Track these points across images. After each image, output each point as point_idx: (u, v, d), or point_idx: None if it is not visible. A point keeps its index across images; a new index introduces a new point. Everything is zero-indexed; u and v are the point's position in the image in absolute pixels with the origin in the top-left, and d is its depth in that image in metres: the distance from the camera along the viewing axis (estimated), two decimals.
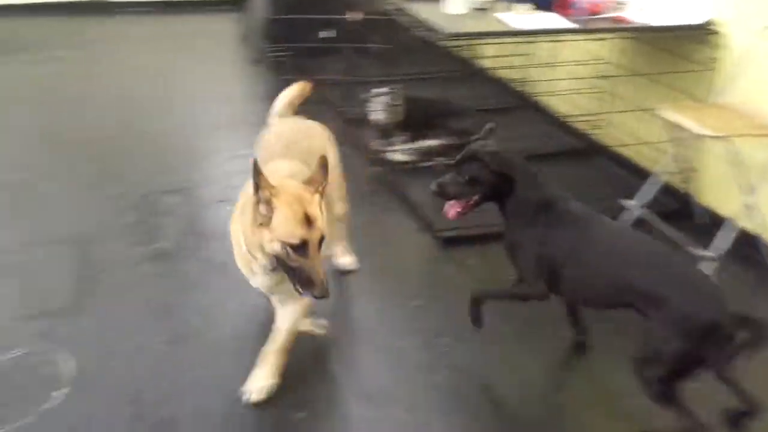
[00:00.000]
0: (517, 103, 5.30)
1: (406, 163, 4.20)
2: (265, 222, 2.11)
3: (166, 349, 2.72)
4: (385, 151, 4.22)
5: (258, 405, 2.46)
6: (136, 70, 6.21)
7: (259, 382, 2.50)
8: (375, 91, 4.29)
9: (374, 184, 4.11)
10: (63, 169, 4.28)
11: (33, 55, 6.50)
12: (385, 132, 4.27)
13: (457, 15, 3.76)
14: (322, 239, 2.17)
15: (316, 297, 2.15)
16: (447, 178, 2.52)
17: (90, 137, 4.73)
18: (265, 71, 6.11)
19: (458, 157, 2.53)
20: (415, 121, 4.26)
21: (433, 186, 2.53)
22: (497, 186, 2.48)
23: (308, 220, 2.11)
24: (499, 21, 3.68)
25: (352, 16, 4.95)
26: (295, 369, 2.59)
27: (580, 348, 2.81)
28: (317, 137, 2.82)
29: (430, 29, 3.59)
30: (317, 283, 2.11)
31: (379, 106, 4.25)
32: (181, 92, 5.72)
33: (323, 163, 2.24)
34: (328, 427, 2.44)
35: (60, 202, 3.86)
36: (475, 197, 2.51)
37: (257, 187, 2.10)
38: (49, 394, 2.45)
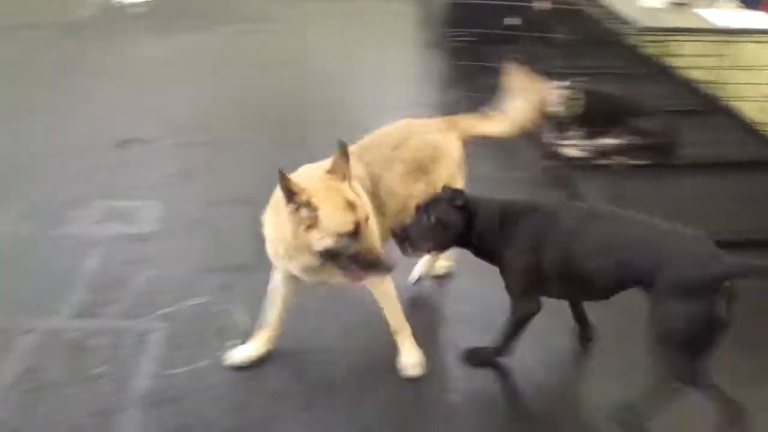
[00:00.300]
0: (706, 106, 4.98)
1: (580, 159, 4.08)
2: (312, 222, 2.10)
3: (331, 313, 2.85)
4: (559, 145, 4.13)
5: (413, 381, 2.52)
6: (321, 46, 6.49)
7: (412, 358, 2.55)
8: (555, 82, 4.19)
9: (545, 177, 4.04)
10: (251, 133, 4.58)
11: (240, 25, 7.03)
12: (562, 125, 4.16)
13: (654, 8, 3.58)
14: (367, 219, 2.17)
15: (383, 273, 2.19)
16: (413, 220, 2.40)
17: (276, 105, 5.03)
18: (441, 56, 6.15)
19: (423, 203, 2.41)
20: (594, 116, 4.11)
21: (397, 228, 2.39)
22: (463, 226, 2.37)
23: (351, 205, 2.12)
24: (699, 17, 3.47)
25: (539, 4, 4.85)
26: (451, 356, 2.63)
27: (584, 341, 2.70)
28: (418, 142, 2.68)
29: (623, 22, 3.45)
30: (381, 260, 2.15)
31: (558, 99, 4.15)
32: (359, 70, 5.91)
33: (343, 152, 2.21)
34: (479, 415, 2.45)
35: (246, 164, 4.13)
36: (438, 242, 2.41)
37: (291, 194, 2.08)
38: (224, 343, 2.64)
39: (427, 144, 2.70)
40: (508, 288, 2.42)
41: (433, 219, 2.34)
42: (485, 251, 2.43)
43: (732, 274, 2.02)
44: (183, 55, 6.19)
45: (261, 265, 3.13)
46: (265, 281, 3.01)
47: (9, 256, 3.21)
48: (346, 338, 2.75)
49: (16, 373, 2.48)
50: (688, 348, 2.05)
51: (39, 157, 4.15)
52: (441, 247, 2.48)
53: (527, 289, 2.38)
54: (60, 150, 4.25)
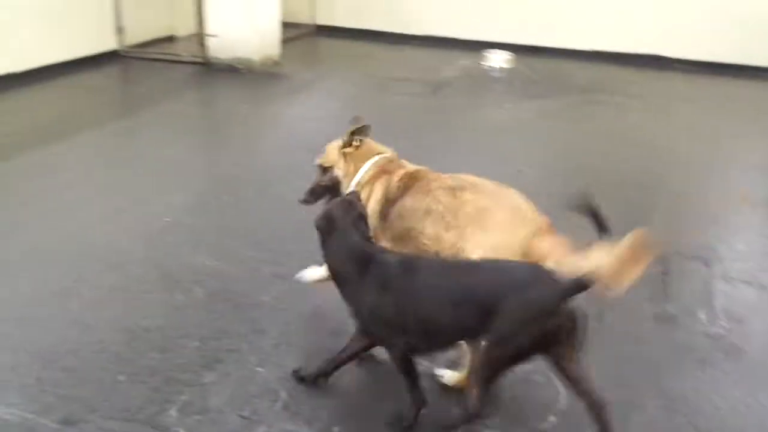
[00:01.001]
0: None
1: None
2: None
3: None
4: None
5: None
6: (681, 126, 6.25)
7: None
8: None
9: None
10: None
11: (590, 96, 7.13)
12: None
13: None
14: None
15: None
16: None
17: (621, 181, 4.94)
18: None
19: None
20: None
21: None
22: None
23: None
24: None
25: None
26: None
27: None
28: (482, 202, 2.54)
29: None
30: None
31: None
32: (719, 157, 5.53)
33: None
34: None
35: (581, 237, 4.04)
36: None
37: None
38: (546, 417, 2.61)
39: (486, 209, 2.52)
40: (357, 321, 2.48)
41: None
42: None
43: (571, 291, 2.13)
44: (535, 119, 6.39)
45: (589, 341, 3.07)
46: (593, 360, 2.93)
47: None
48: None
49: None
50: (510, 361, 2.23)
51: None
52: None
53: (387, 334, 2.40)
54: None
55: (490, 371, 2.25)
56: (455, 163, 5.15)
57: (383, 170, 2.82)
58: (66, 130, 5.55)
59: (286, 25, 8.40)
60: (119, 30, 7.87)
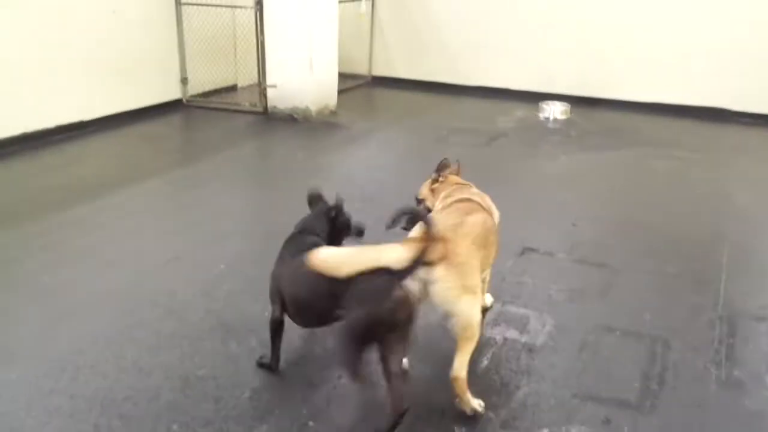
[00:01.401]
0: None
1: None
2: None
3: None
4: None
5: None
6: (747, 181, 6.08)
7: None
8: None
9: None
10: (651, 261, 4.40)
11: (649, 149, 7.04)
12: None
13: None
14: None
15: None
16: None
17: (684, 237, 4.83)
18: None
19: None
20: None
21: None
22: None
23: None
24: None
25: None
26: None
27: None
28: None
29: None
30: None
31: None
32: None
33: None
34: None
35: (641, 295, 3.96)
36: None
37: None
38: None
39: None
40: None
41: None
42: None
43: (399, 279, 2.49)
44: (591, 171, 6.32)
45: (645, 405, 2.97)
46: (648, 425, 2.83)
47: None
48: None
49: None
50: (357, 339, 2.51)
51: None
52: None
53: (273, 299, 3.02)
54: None
55: (346, 351, 2.56)
56: (509, 214, 5.15)
57: (450, 196, 3.36)
58: (130, 177, 5.73)
59: (343, 76, 8.58)
60: (183, 81, 8.16)
